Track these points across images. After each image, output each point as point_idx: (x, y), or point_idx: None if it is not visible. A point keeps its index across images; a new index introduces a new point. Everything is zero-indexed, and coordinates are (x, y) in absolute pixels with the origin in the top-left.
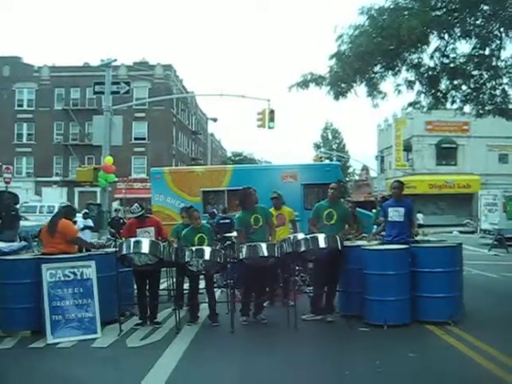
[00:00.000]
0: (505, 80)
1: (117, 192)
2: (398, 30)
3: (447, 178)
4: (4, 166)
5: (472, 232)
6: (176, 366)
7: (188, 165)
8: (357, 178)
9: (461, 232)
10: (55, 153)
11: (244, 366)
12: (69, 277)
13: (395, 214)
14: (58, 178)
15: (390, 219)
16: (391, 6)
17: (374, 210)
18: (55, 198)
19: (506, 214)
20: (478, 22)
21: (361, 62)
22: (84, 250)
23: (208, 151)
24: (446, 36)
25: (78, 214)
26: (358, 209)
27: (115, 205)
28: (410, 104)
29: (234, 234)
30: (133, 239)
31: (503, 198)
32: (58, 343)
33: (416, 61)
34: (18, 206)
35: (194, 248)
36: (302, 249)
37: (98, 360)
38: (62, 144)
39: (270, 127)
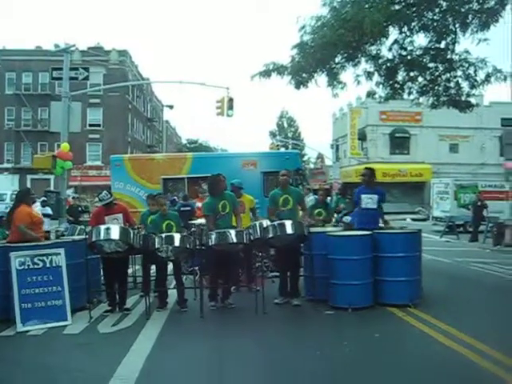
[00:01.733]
0: (459, 73)
1: (72, 179)
2: (362, 22)
3: (400, 166)
4: None
5: (424, 219)
6: (151, 351)
7: (144, 152)
8: (312, 166)
9: (413, 219)
10: (6, 139)
11: (216, 348)
12: (38, 264)
13: (369, 201)
14: (9, 165)
15: (363, 206)
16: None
17: (328, 198)
18: (6, 185)
19: (457, 202)
20: (435, 17)
21: (323, 53)
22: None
23: (163, 138)
24: (406, 29)
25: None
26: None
27: (69, 192)
28: (369, 94)
29: (198, 221)
30: (103, 226)
31: (454, 186)
32: (28, 331)
33: (375, 52)
34: None
35: (163, 235)
36: (270, 235)
37: (71, 347)
38: (13, 130)
39: (228, 115)
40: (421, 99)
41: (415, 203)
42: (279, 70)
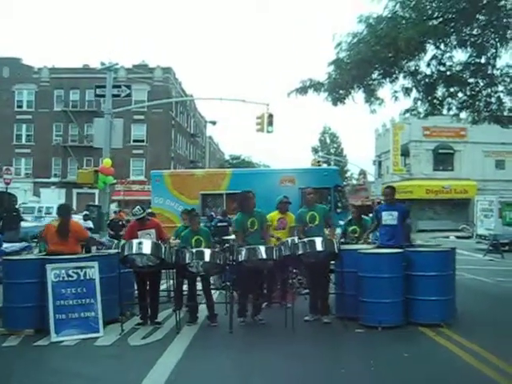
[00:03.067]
0: (500, 88)
1: (115, 194)
2: (396, 39)
3: (444, 183)
4: (4, 167)
5: (468, 237)
6: (176, 365)
7: (186, 167)
8: (354, 182)
9: (457, 237)
10: (54, 154)
11: (243, 363)
12: (72, 277)
13: (389, 217)
14: (56, 180)
15: (383, 223)
16: (389, 15)
17: (370, 215)
18: (53, 199)
19: (502, 220)
20: (473, 32)
21: (359, 69)
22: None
23: (206, 154)
24: (442, 45)
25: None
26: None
27: (113, 207)
28: (407, 110)
29: (232, 236)
30: (135, 240)
31: (499, 203)
32: (61, 341)
33: (413, 68)
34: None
35: (194, 250)
36: (300, 252)
37: (101, 358)
38: (60, 145)
39: (268, 131)
40: (461, 115)
41: (459, 220)
42: (316, 86)
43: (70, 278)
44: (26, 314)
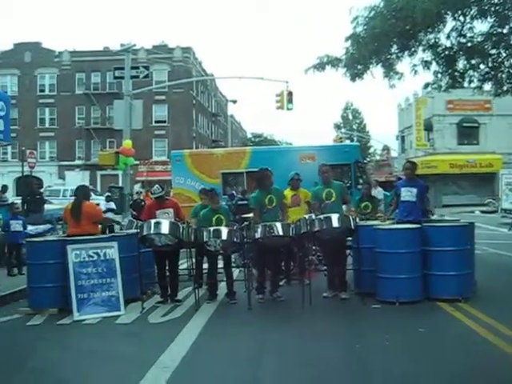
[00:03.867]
0: None
1: (138, 175)
2: (413, 11)
3: (469, 157)
4: (28, 151)
5: (493, 212)
6: (195, 341)
7: (209, 147)
8: (378, 158)
9: (482, 212)
10: (77, 137)
11: (261, 339)
12: (93, 257)
13: (408, 194)
14: (80, 162)
15: (402, 199)
16: None
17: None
18: (78, 181)
19: None
20: (495, 1)
21: (376, 44)
22: (107, 232)
23: (228, 133)
24: (462, 16)
25: (100, 197)
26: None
27: (137, 187)
28: (428, 84)
29: (251, 214)
30: (153, 220)
31: None
32: (83, 320)
33: (432, 41)
34: (42, 190)
35: (211, 228)
36: (316, 228)
37: (121, 335)
38: (83, 128)
39: (288, 108)
40: (484, 87)
41: (484, 195)
42: (333, 62)
43: (91, 259)
44: (49, 293)
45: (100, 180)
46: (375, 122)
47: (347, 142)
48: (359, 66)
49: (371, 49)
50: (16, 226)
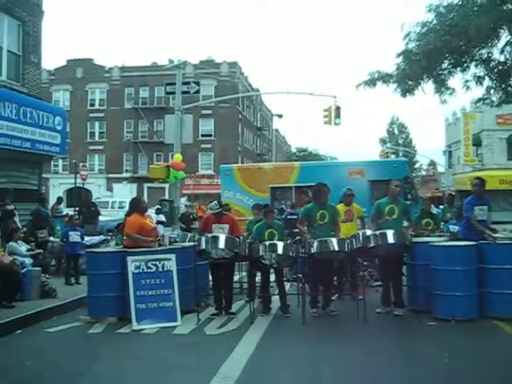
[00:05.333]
0: None
1: (184, 188)
2: (467, 27)
3: None
4: (81, 164)
5: None
6: (253, 353)
7: (254, 161)
8: (424, 173)
9: None
10: (125, 150)
11: (318, 351)
12: (151, 268)
13: (480, 212)
14: (128, 175)
15: (477, 218)
16: (460, 3)
17: (441, 206)
18: (125, 193)
19: None
20: None
21: (428, 60)
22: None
23: (273, 147)
24: None
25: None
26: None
27: (183, 201)
28: (480, 99)
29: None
30: (210, 235)
31: None
32: (142, 329)
33: (485, 56)
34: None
35: (267, 243)
36: (372, 244)
37: (180, 345)
38: (131, 141)
39: (335, 123)
40: None
41: None
42: (384, 78)
43: (149, 270)
44: (109, 303)
45: (147, 192)
46: (421, 137)
47: (393, 156)
48: (410, 82)
49: (423, 65)
50: (75, 236)
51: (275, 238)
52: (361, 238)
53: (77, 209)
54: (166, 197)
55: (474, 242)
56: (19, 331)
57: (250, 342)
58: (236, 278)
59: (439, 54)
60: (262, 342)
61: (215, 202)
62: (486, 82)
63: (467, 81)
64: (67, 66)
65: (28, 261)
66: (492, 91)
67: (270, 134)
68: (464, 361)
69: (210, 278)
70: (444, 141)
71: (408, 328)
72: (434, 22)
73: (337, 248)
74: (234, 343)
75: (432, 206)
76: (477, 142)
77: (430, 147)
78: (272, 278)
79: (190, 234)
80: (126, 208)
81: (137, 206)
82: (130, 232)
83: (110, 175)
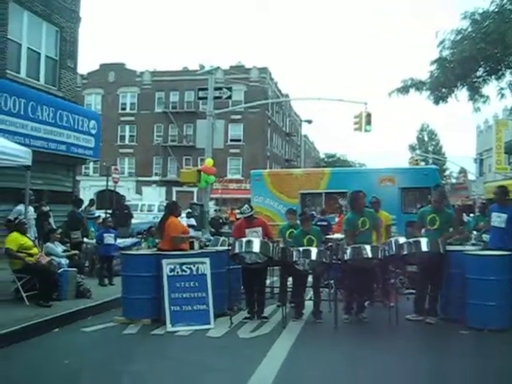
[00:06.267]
0: None
1: (213, 192)
2: (503, 35)
3: None
4: (113, 167)
5: None
6: (287, 356)
7: (282, 166)
8: (454, 181)
9: None
10: (155, 154)
11: (351, 355)
12: (186, 271)
13: (497, 219)
14: (157, 178)
15: (492, 224)
16: (496, 10)
17: (471, 215)
18: (154, 196)
19: None
20: None
21: (463, 67)
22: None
23: (301, 153)
24: None
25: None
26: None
27: (211, 205)
28: None
29: (335, 235)
30: (244, 239)
31: None
32: (176, 331)
33: None
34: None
35: (301, 248)
36: (405, 252)
37: (214, 348)
38: (161, 145)
39: (366, 130)
40: None
41: None
42: (417, 85)
43: (184, 273)
44: (143, 304)
45: (176, 196)
46: (452, 144)
47: (422, 164)
48: (444, 90)
49: (457, 72)
50: (109, 238)
51: (314, 244)
52: (394, 246)
53: (109, 211)
54: (195, 200)
55: (509, 252)
56: (57, 330)
57: (283, 346)
58: (267, 282)
59: (474, 61)
60: (295, 347)
61: (246, 205)
62: None
63: (502, 88)
64: (99, 70)
65: (64, 261)
66: None
67: (298, 140)
68: (495, 370)
69: (242, 282)
70: (475, 148)
71: (440, 336)
72: (469, 29)
73: (370, 255)
74: (267, 347)
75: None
76: (509, 150)
77: (460, 155)
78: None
79: (222, 238)
80: (155, 211)
81: (175, 210)
82: (176, 234)
83: (140, 178)
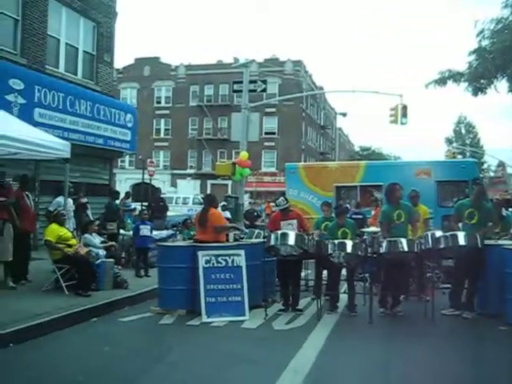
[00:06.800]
0: None
1: (247, 185)
2: None
3: None
4: (148, 160)
5: None
6: (322, 348)
7: (316, 159)
8: (492, 174)
9: None
10: (190, 147)
11: (385, 350)
12: (221, 263)
13: None
14: (192, 171)
15: None
16: None
17: (510, 209)
18: (189, 189)
19: None
20: None
21: (503, 58)
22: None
23: (336, 146)
24: None
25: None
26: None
27: (246, 197)
28: None
29: (370, 228)
30: (280, 231)
31: None
32: (211, 322)
33: None
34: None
35: (336, 241)
36: (441, 246)
37: (250, 339)
38: (196, 138)
39: (402, 123)
40: None
41: None
42: (455, 77)
43: (219, 265)
44: (179, 295)
45: (210, 189)
46: (490, 137)
47: (459, 157)
48: (482, 81)
49: (497, 63)
50: (145, 230)
51: (348, 236)
52: (430, 240)
53: (145, 203)
54: (230, 193)
55: None
56: (95, 319)
57: (318, 339)
58: (302, 274)
59: None
60: (330, 339)
61: (282, 198)
62: None
63: None
64: (135, 64)
65: (102, 252)
66: None
67: (333, 133)
68: None
69: (277, 274)
70: None
71: (477, 331)
72: (510, 18)
73: (406, 248)
74: (303, 339)
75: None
76: None
77: (499, 147)
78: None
79: (256, 231)
80: (190, 204)
81: (214, 202)
82: (222, 224)
83: (175, 171)
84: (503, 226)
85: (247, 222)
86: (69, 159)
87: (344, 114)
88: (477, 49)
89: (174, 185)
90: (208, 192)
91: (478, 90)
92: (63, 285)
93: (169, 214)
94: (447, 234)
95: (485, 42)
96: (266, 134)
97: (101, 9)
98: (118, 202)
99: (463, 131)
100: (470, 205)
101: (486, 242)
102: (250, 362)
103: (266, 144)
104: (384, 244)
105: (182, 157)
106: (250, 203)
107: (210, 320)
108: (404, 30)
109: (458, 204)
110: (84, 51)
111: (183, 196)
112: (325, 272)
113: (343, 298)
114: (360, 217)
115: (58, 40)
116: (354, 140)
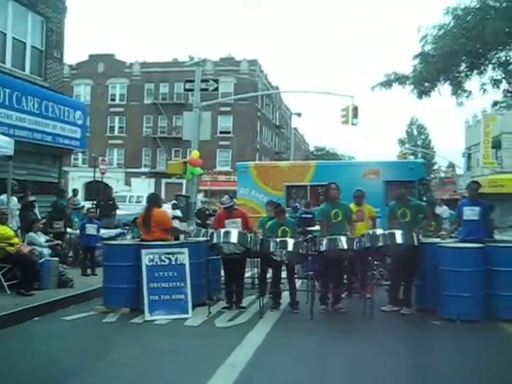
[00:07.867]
0: None
1: (202, 184)
2: (483, 31)
3: None
4: (100, 158)
5: None
6: (261, 344)
7: (271, 159)
8: (442, 175)
9: None
10: (144, 145)
11: (324, 344)
12: (164, 261)
13: (471, 212)
14: (146, 170)
15: (465, 218)
16: (477, 6)
17: (451, 211)
18: (143, 188)
19: None
20: None
21: (445, 62)
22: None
23: (291, 145)
24: None
25: (166, 205)
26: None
27: (200, 197)
28: (496, 103)
29: (317, 227)
30: (223, 230)
31: None
32: (154, 320)
33: (503, 59)
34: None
35: (278, 240)
36: (380, 244)
37: (191, 336)
38: (150, 137)
39: (353, 124)
40: None
41: None
42: (401, 80)
43: (163, 263)
44: (123, 294)
45: (165, 188)
46: (441, 139)
47: (411, 158)
48: (426, 84)
49: (439, 67)
50: (91, 229)
51: (287, 235)
52: (369, 238)
53: (94, 202)
54: (184, 192)
55: (481, 245)
56: (37, 318)
57: (259, 335)
58: (249, 273)
59: (456, 56)
60: (270, 335)
61: (226, 196)
62: (504, 85)
63: (484, 84)
64: (89, 60)
65: (46, 251)
66: (510, 94)
67: (288, 133)
68: (464, 359)
69: (222, 272)
70: (464, 143)
71: (412, 326)
72: (451, 24)
73: (345, 246)
74: (243, 335)
75: (437, 207)
76: (496, 145)
77: (449, 149)
78: (284, 274)
79: (203, 229)
80: (143, 203)
81: (158, 202)
82: (166, 223)
83: (129, 170)
84: (436, 225)
85: (199, 221)
86: (12, 156)
87: (299, 114)
88: (420, 53)
89: (128, 183)
90: (161, 191)
91: (422, 93)
92: (4, 284)
93: (121, 212)
94: (385, 232)
95: (428, 47)
96: (220, 133)
97: (49, 3)
98: (65, 200)
99: (415, 132)
100: (400, 205)
101: (422, 239)
102: (187, 357)
103: (221, 143)
104: (324, 242)
105: (137, 155)
106: (202, 202)
107: (152, 318)
108: (359, 31)
109: (390, 205)
110: (32, 46)
111: (137, 194)
112: (270, 270)
113: (287, 295)
114: (310, 216)
115: (5, 34)
116: (310, 140)
